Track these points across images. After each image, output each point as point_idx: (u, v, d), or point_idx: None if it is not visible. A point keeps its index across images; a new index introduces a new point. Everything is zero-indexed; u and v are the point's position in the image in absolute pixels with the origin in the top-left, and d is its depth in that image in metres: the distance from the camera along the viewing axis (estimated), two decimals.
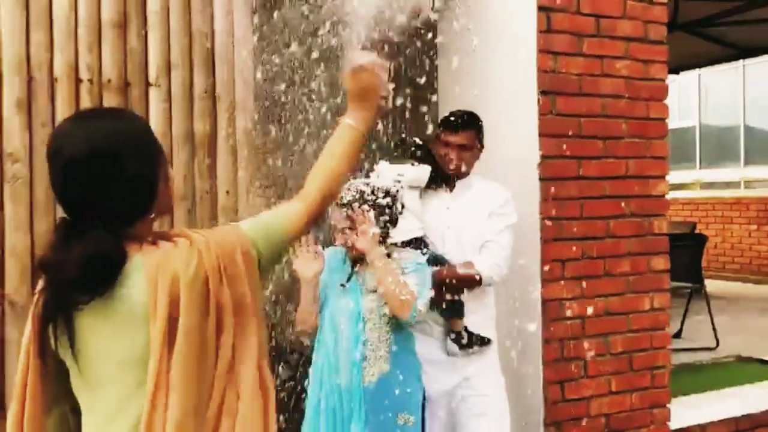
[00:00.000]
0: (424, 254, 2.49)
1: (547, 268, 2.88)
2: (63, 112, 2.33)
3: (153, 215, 1.24)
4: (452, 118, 2.64)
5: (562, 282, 2.93)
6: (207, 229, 1.25)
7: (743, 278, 9.13)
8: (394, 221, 2.34)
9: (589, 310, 2.98)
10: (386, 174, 2.60)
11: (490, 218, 2.59)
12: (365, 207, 2.26)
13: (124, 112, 1.38)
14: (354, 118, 1.36)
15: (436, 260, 2.52)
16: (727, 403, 3.56)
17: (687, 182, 10.66)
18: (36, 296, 1.18)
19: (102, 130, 1.18)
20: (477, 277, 2.52)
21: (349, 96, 1.38)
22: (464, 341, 2.58)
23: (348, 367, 2.27)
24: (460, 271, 2.54)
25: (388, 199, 2.35)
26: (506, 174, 2.77)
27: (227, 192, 2.54)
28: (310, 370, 2.40)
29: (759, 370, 4.41)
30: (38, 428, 1.22)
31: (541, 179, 2.87)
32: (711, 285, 6.35)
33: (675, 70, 7.33)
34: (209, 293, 1.17)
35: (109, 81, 2.39)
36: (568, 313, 2.94)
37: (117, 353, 1.16)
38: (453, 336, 2.59)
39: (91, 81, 2.37)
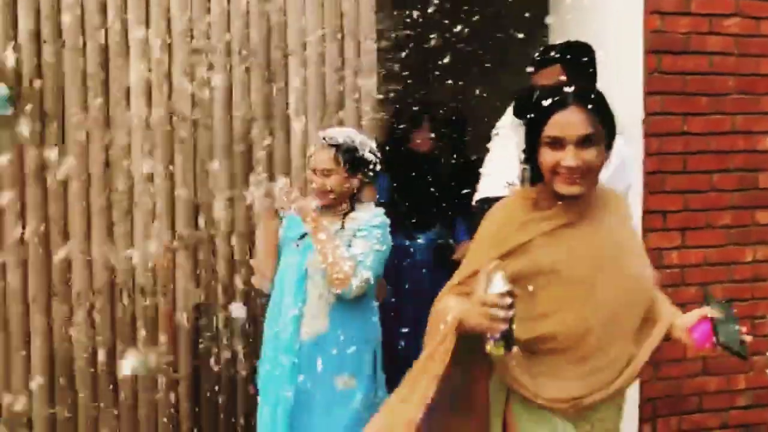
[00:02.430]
0: None
1: (648, 219, 3.05)
2: (219, 80, 2.75)
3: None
4: (535, 55, 2.35)
5: (663, 232, 3.10)
6: None
7: None
8: (369, 180, 2.36)
9: (690, 260, 3.13)
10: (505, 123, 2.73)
11: None
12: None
13: None
14: None
15: None
16: None
17: None
18: None
19: None
20: None
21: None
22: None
23: (287, 322, 2.28)
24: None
25: (372, 156, 2.34)
26: None
27: None
28: (264, 326, 2.43)
29: None
30: None
31: (645, 135, 3.03)
32: None
33: None
34: None
35: (256, 51, 2.77)
36: (668, 261, 3.11)
37: None
38: None
39: (240, 52, 2.77)
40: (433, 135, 3.44)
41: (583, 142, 1.54)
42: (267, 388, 2.36)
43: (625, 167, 2.40)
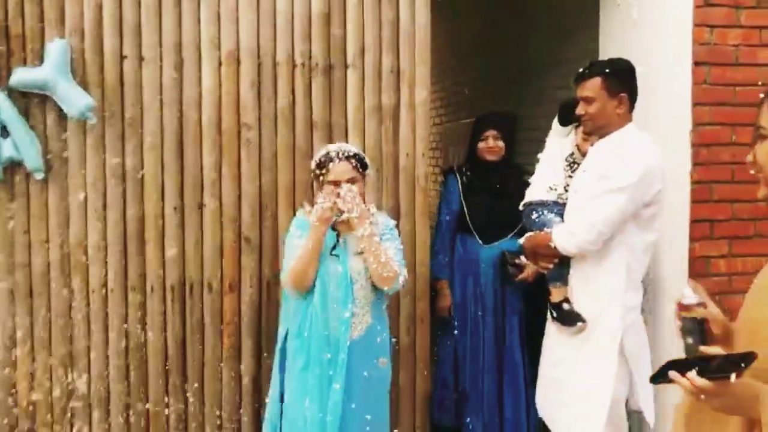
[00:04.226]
0: (536, 218, 2.61)
1: (695, 227, 3.10)
2: (283, 90, 2.95)
3: None
4: (580, 70, 2.49)
5: (711, 241, 3.14)
6: None
7: None
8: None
9: (737, 268, 3.16)
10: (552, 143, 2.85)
11: (599, 181, 2.40)
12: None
13: None
14: None
15: (536, 225, 2.62)
16: None
17: None
18: None
19: None
20: (552, 246, 2.43)
21: None
22: (554, 314, 2.46)
23: (337, 324, 2.47)
24: (527, 240, 2.54)
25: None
26: (661, 140, 2.99)
27: (407, 154, 3.03)
28: (294, 335, 2.53)
29: None
30: None
31: (693, 145, 3.08)
32: None
33: None
34: None
35: (317, 64, 2.96)
36: (715, 270, 3.15)
37: None
38: (549, 306, 2.53)
39: (303, 65, 2.95)
40: (501, 144, 3.35)
41: (760, 135, 1.37)
42: (309, 384, 2.50)
43: (652, 178, 2.45)
